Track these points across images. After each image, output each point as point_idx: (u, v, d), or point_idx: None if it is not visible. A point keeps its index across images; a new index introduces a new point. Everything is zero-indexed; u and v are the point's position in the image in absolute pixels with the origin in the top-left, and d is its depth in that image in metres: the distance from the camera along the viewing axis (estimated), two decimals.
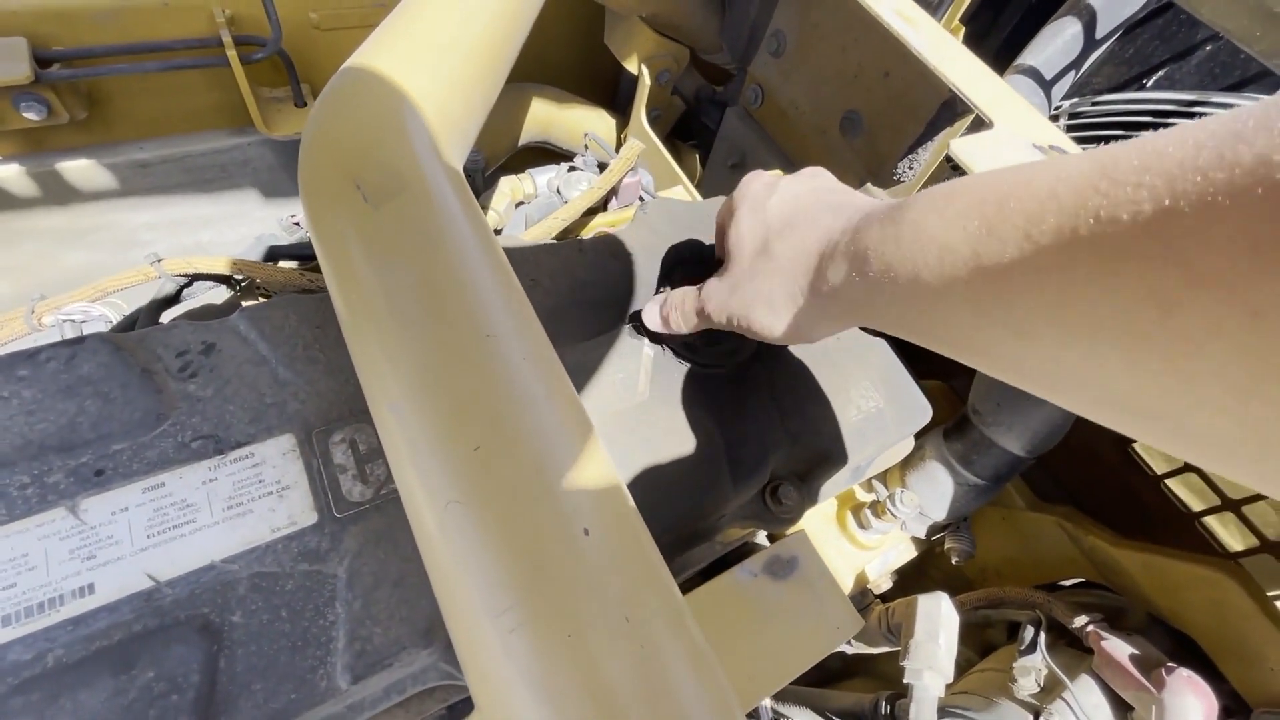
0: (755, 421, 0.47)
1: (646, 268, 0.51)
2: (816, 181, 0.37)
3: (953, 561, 0.61)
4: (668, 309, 0.43)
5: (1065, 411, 0.52)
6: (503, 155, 0.93)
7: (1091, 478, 0.65)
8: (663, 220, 0.55)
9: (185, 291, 0.56)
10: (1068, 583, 0.62)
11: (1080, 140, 0.80)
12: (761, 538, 0.59)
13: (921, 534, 0.62)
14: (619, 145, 1.00)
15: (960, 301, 0.23)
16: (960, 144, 0.42)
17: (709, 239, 0.55)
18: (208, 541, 0.34)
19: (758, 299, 0.35)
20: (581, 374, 0.45)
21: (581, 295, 0.49)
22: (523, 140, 0.94)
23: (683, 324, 0.42)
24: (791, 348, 0.50)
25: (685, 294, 0.41)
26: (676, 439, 0.44)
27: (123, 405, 0.37)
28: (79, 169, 0.74)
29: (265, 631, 0.33)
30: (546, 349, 0.30)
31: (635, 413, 0.45)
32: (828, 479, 0.50)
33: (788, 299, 0.34)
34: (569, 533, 0.24)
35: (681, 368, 0.47)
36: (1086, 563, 0.59)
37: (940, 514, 0.59)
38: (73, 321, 0.52)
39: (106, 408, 0.37)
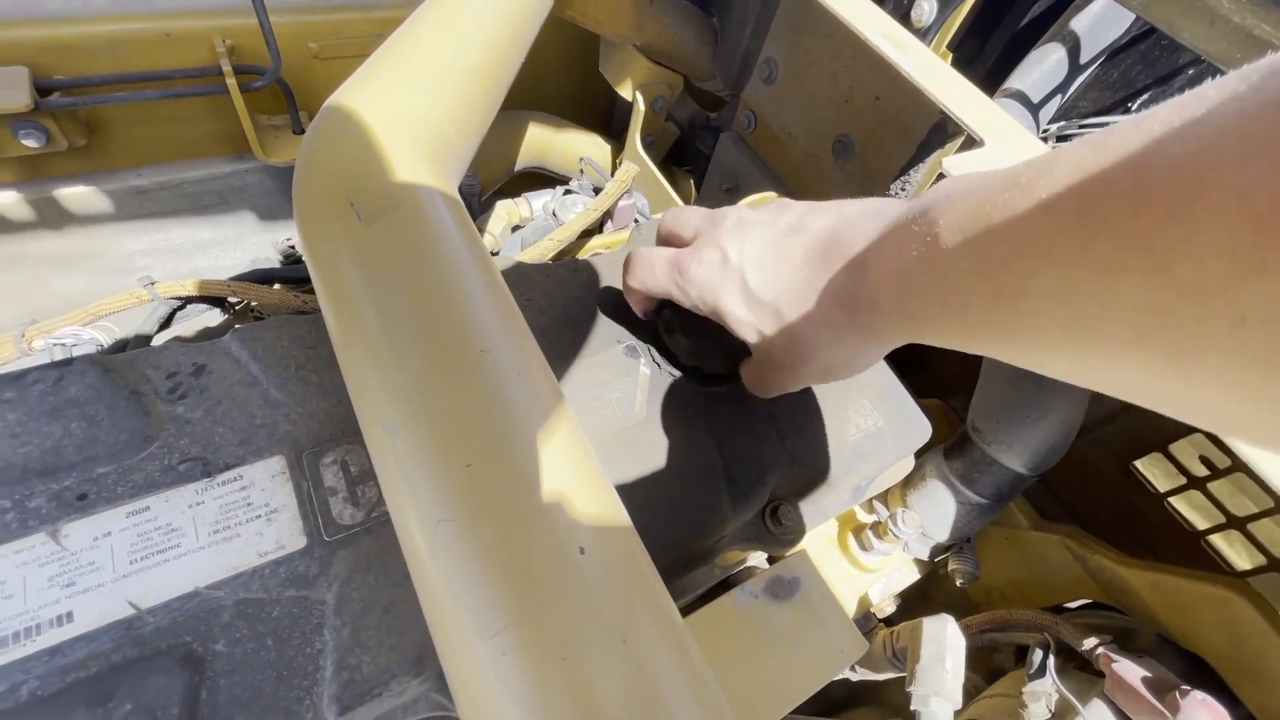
0: (753, 441, 0.46)
1: None
2: (779, 223, 0.35)
3: (957, 583, 0.59)
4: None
5: (1066, 429, 0.52)
6: (499, 180, 0.94)
7: (1094, 496, 0.65)
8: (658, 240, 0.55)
9: (179, 315, 0.56)
10: (1075, 604, 0.61)
11: None
12: (762, 561, 0.57)
13: (925, 555, 0.61)
14: (614, 170, 1.01)
15: (981, 324, 0.24)
16: (953, 162, 0.42)
17: None
18: (192, 567, 0.33)
19: (796, 379, 0.38)
20: (578, 393, 0.45)
21: (576, 315, 0.48)
22: (519, 165, 0.95)
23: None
24: None
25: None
26: (673, 459, 0.44)
27: (109, 428, 0.36)
28: (77, 195, 0.75)
29: (249, 661, 0.32)
30: (541, 365, 0.29)
31: (632, 432, 0.44)
32: (827, 499, 0.49)
33: (817, 370, 0.36)
34: (564, 551, 0.23)
35: (679, 387, 0.46)
36: (1093, 583, 0.58)
37: (943, 534, 0.58)
38: (63, 345, 0.51)
39: (92, 430, 0.36)
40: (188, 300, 0.52)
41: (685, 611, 0.51)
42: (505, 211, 0.75)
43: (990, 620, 0.56)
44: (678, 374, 0.47)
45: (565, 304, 0.49)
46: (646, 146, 0.96)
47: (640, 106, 0.92)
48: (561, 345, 0.46)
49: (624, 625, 0.22)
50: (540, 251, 0.62)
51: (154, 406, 0.38)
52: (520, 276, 0.49)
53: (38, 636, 0.30)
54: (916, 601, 0.67)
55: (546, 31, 0.59)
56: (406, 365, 0.26)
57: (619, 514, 0.26)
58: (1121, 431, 0.60)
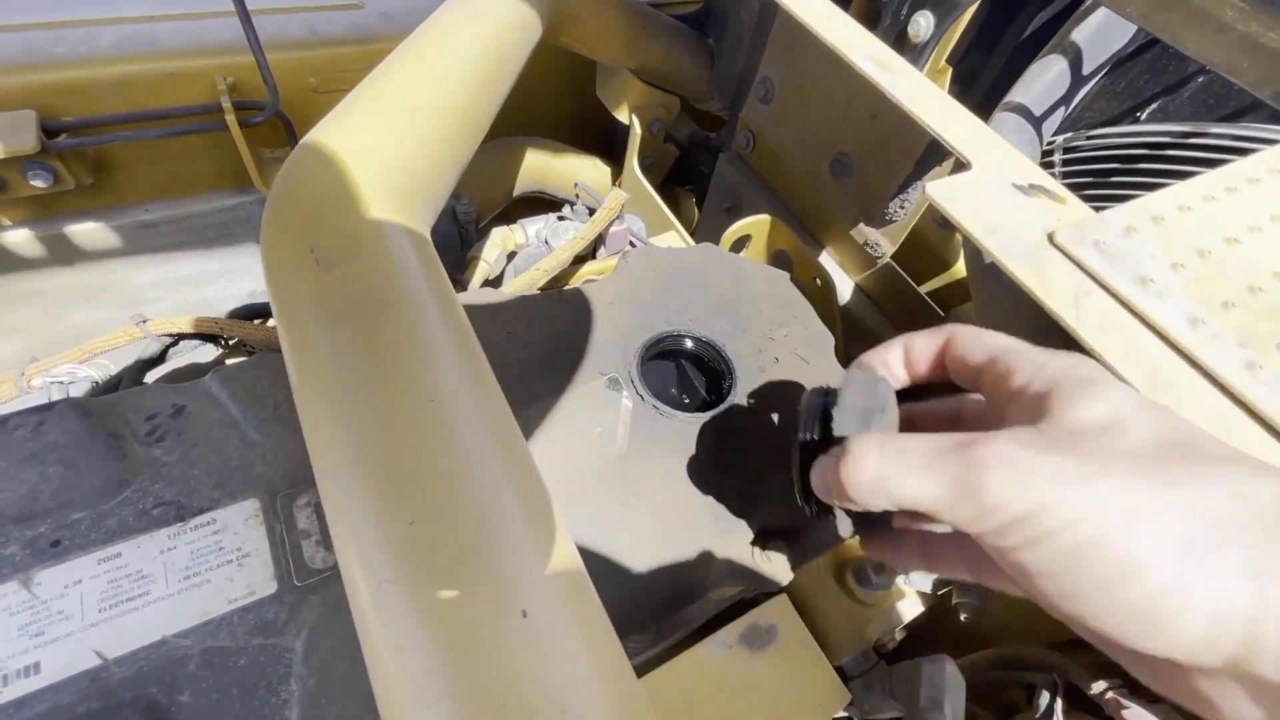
0: (739, 475, 0.45)
1: (627, 317, 0.51)
2: None
3: (961, 618, 0.57)
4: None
5: None
6: (497, 206, 0.94)
7: None
8: (645, 268, 0.55)
9: (174, 350, 0.56)
10: None
11: (1075, 174, 0.79)
12: None
13: (927, 588, 0.59)
14: None
15: None
16: (936, 186, 0.41)
17: (692, 285, 0.54)
18: (161, 615, 0.33)
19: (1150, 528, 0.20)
20: (559, 427, 0.44)
21: (560, 346, 0.48)
22: (518, 191, 0.96)
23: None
24: (776, 394, 0.49)
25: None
26: (656, 495, 0.43)
27: (85, 472, 0.36)
28: (86, 231, 0.77)
29: (213, 712, 0.31)
30: (499, 412, 0.29)
31: (614, 467, 0.43)
32: (819, 533, 0.47)
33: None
34: (504, 616, 0.22)
35: (662, 420, 0.45)
36: None
37: None
38: (60, 383, 0.52)
39: (69, 475, 0.36)
40: (180, 337, 0.53)
41: (678, 648, 0.50)
42: (501, 238, 0.75)
43: (997, 658, 0.54)
44: (661, 405, 0.46)
45: (547, 335, 0.48)
46: (645, 169, 0.96)
47: (636, 129, 0.92)
48: (542, 378, 0.46)
49: (564, 693, 0.21)
50: (529, 280, 0.62)
51: (131, 450, 0.38)
52: (502, 309, 0.49)
53: (4, 689, 0.30)
54: (923, 635, 0.65)
55: (544, 57, 0.59)
56: (353, 417, 0.26)
57: (571, 569, 0.25)
58: None
